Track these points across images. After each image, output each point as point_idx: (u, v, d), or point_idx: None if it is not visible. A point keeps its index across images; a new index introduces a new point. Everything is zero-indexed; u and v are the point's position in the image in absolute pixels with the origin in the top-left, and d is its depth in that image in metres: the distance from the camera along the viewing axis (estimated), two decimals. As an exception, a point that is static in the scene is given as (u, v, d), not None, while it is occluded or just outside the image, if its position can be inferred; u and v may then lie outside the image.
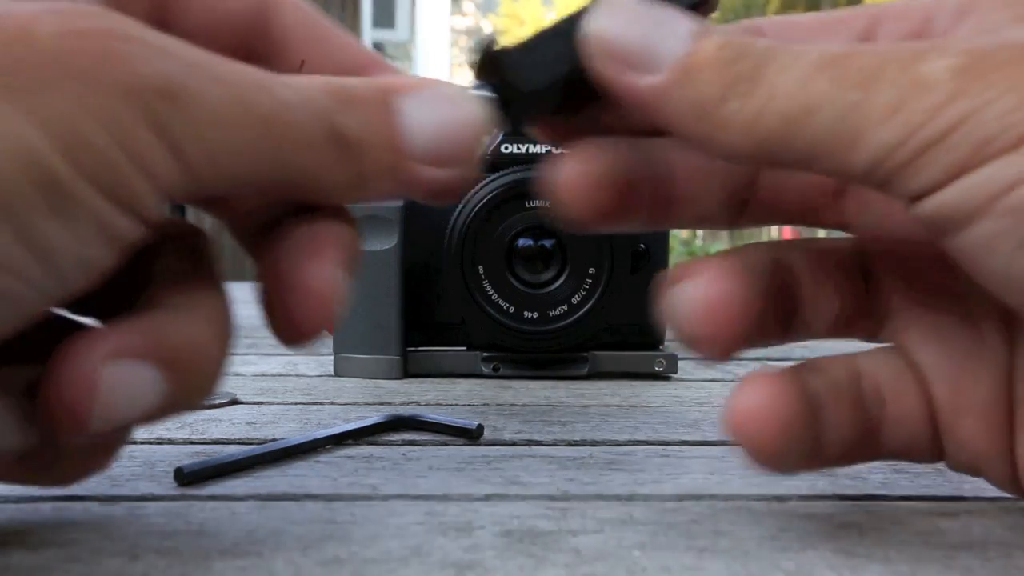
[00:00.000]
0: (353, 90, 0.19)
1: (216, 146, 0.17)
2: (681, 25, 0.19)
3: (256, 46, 0.23)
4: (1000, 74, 0.17)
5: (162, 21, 0.21)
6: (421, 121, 0.20)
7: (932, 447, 0.22)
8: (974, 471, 0.22)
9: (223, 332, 0.19)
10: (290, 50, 0.23)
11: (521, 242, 0.45)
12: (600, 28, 0.19)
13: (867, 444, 0.22)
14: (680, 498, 0.24)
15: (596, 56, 0.19)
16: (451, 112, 0.20)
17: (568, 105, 0.21)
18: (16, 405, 0.18)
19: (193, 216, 0.30)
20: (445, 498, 0.24)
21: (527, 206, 0.45)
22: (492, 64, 0.20)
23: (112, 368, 0.17)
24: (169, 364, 0.18)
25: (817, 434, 0.21)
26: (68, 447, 0.20)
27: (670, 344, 0.49)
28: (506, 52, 0.20)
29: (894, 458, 0.22)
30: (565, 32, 0.20)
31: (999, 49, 0.17)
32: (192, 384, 0.19)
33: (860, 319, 0.23)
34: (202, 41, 0.18)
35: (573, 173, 0.21)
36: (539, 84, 0.20)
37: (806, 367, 0.22)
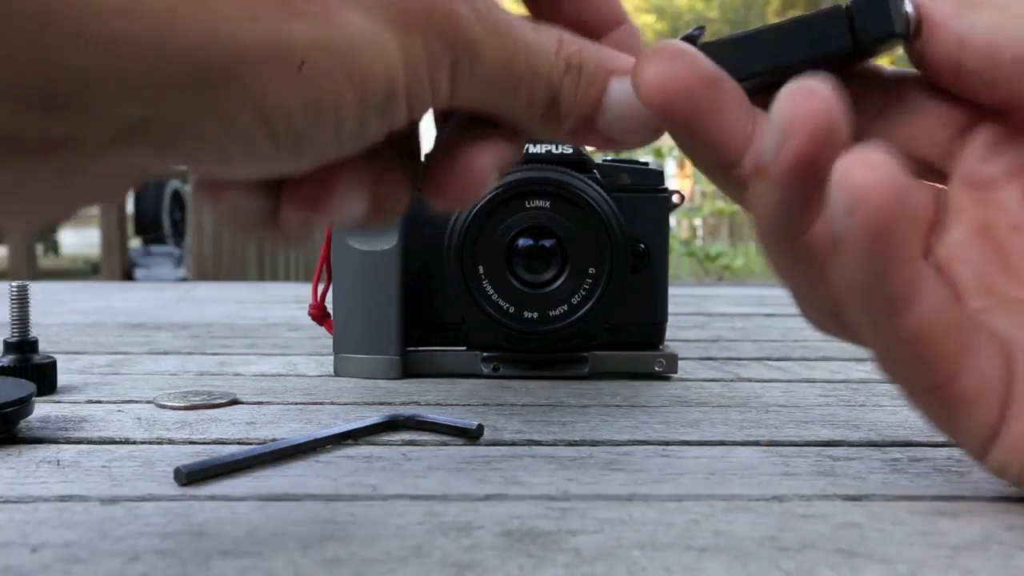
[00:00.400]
0: (583, 62, 0.23)
1: (478, 92, 0.21)
2: None
3: None
4: None
5: None
6: (617, 101, 0.23)
7: (995, 413, 0.22)
8: (1019, 468, 0.22)
9: None
10: None
11: (521, 242, 0.45)
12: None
13: (956, 356, 0.22)
14: (680, 498, 0.24)
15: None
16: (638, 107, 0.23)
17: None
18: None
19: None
20: (445, 498, 0.24)
21: (527, 206, 0.45)
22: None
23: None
24: None
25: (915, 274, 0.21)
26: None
27: (670, 344, 0.49)
28: (713, 44, 0.25)
29: (957, 404, 0.22)
30: (773, 35, 0.25)
31: None
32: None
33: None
34: None
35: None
36: (745, 73, 0.24)
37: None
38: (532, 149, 0.45)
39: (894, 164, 0.19)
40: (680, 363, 0.47)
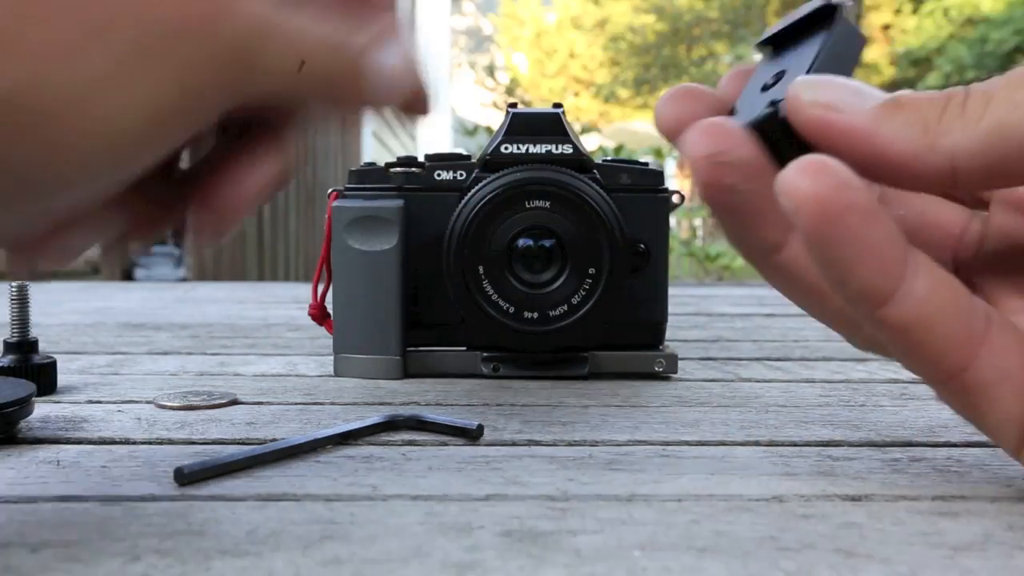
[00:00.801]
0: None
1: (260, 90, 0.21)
2: (867, 88, 0.22)
3: None
4: None
5: None
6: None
7: (1019, 402, 0.22)
8: None
9: None
10: None
11: (521, 242, 0.45)
12: (807, 89, 0.22)
13: (964, 348, 0.22)
14: (680, 498, 0.24)
15: (807, 109, 0.22)
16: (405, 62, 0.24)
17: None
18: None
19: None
20: (445, 498, 0.24)
21: (527, 206, 0.45)
22: None
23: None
24: None
25: (899, 260, 0.21)
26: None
27: (670, 344, 0.49)
28: None
29: (973, 396, 0.22)
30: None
31: None
32: None
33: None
34: None
35: None
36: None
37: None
38: (532, 149, 0.45)
39: (831, 166, 0.20)
40: (680, 363, 0.47)
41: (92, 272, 2.92)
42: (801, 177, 0.21)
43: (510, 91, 15.61)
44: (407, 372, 0.47)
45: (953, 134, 0.21)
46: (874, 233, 0.21)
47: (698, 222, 5.91)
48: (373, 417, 0.33)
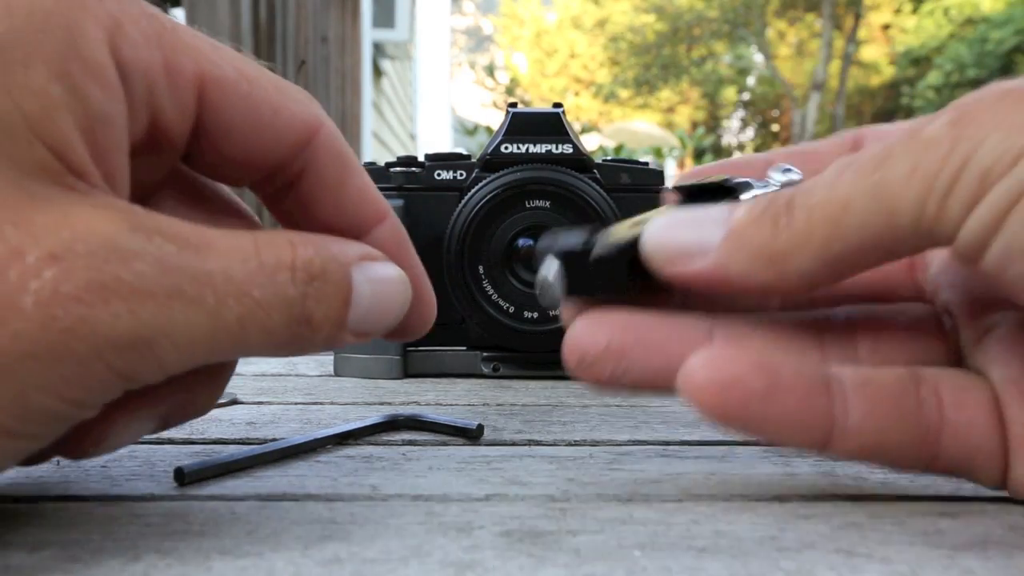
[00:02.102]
0: (326, 264, 0.22)
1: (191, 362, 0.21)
2: (715, 213, 0.23)
3: (283, 170, 0.24)
4: (987, 115, 0.20)
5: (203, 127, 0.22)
6: (364, 295, 0.22)
7: (997, 464, 0.23)
8: None
9: None
10: (311, 184, 0.24)
11: (521, 242, 0.45)
12: (651, 241, 0.23)
13: (923, 446, 0.22)
14: (680, 498, 0.24)
15: (658, 263, 0.23)
16: (386, 291, 0.23)
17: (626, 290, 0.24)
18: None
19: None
20: (445, 498, 0.24)
21: (527, 206, 0.45)
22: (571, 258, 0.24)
23: None
24: None
25: (822, 414, 0.22)
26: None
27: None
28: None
29: (953, 471, 0.23)
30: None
31: (983, 96, 0.20)
32: None
33: (935, 356, 0.24)
34: (236, 160, 0.23)
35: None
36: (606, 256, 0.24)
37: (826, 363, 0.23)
38: (532, 149, 0.45)
39: (722, 361, 0.21)
40: (680, 363, 0.47)
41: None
42: (692, 381, 0.21)
43: (510, 91, 15.61)
44: (407, 372, 0.47)
45: (794, 258, 0.21)
46: (781, 407, 0.22)
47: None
48: (373, 417, 0.33)
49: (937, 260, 0.25)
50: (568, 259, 0.24)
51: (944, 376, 0.23)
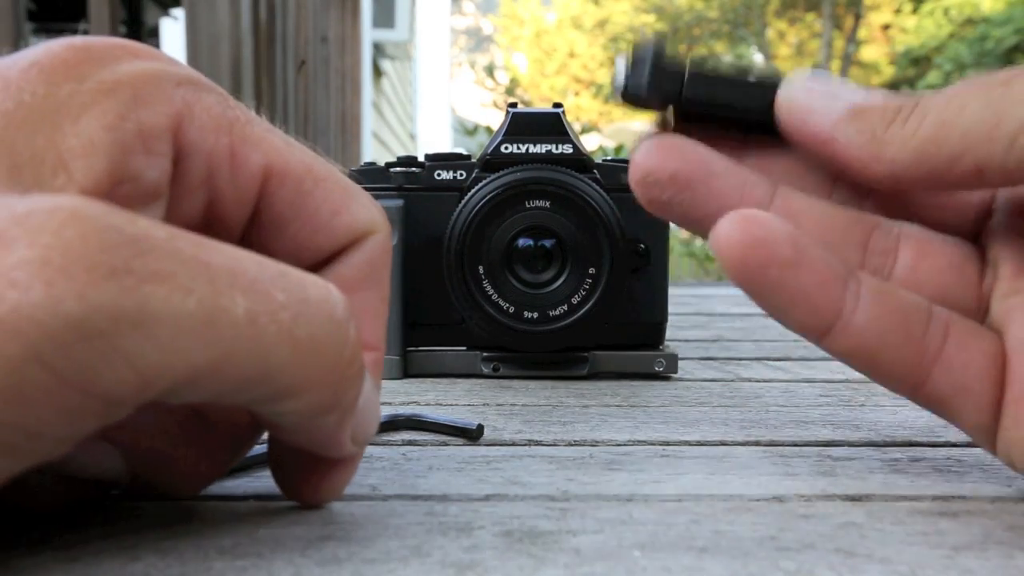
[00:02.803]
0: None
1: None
2: (851, 89, 0.24)
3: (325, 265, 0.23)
4: None
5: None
6: (363, 395, 0.21)
7: (979, 411, 0.23)
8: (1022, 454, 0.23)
9: None
10: (337, 278, 0.23)
11: (521, 242, 0.45)
12: (789, 92, 0.24)
13: (915, 368, 0.23)
14: (680, 498, 0.24)
15: (785, 112, 0.24)
16: (373, 407, 0.23)
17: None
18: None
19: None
20: (445, 498, 0.24)
21: (527, 206, 0.45)
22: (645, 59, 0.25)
23: None
24: None
25: (833, 301, 0.23)
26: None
27: (670, 344, 0.49)
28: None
29: (935, 404, 0.24)
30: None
31: None
32: None
33: (962, 298, 0.25)
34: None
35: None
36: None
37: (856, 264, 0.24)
38: (532, 149, 0.45)
39: (754, 220, 0.22)
40: (680, 363, 0.47)
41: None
42: (726, 231, 0.22)
43: (510, 91, 15.60)
44: (407, 372, 0.47)
45: (893, 146, 0.23)
46: (798, 281, 0.22)
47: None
48: (373, 417, 0.33)
49: (1003, 208, 0.26)
50: (658, 54, 0.25)
51: (958, 318, 0.24)
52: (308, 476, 0.23)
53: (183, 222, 0.21)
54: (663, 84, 0.25)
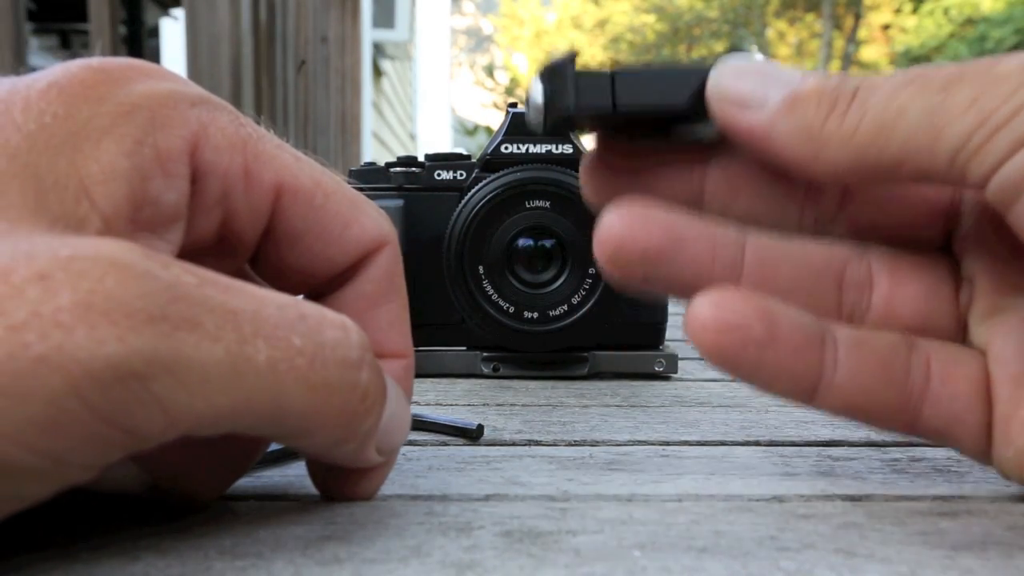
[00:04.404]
0: (369, 350, 0.20)
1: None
2: (789, 74, 0.23)
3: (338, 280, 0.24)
4: None
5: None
6: (390, 403, 0.22)
7: (977, 438, 0.23)
8: (1021, 465, 0.23)
9: None
10: (351, 296, 0.24)
11: (521, 242, 0.45)
12: (718, 79, 0.23)
13: (904, 411, 0.23)
14: (680, 498, 0.24)
15: (715, 102, 0.23)
16: (403, 413, 0.23)
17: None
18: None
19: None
20: (445, 498, 0.24)
21: (527, 206, 0.45)
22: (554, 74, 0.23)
23: None
24: None
25: (812, 367, 0.23)
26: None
27: (670, 344, 0.49)
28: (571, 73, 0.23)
29: (933, 437, 0.24)
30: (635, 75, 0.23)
31: None
32: None
33: (941, 321, 0.24)
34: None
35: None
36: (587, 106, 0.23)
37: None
38: (532, 149, 0.45)
39: (725, 301, 0.22)
40: (680, 363, 0.47)
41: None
42: (698, 318, 0.22)
43: (510, 91, 15.60)
44: (407, 372, 0.47)
45: (831, 146, 0.22)
46: (776, 355, 0.22)
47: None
48: (373, 417, 0.33)
49: (970, 210, 0.25)
50: (553, 73, 0.23)
51: (937, 348, 0.24)
52: (343, 482, 0.23)
53: (199, 239, 0.21)
54: (591, 94, 0.23)
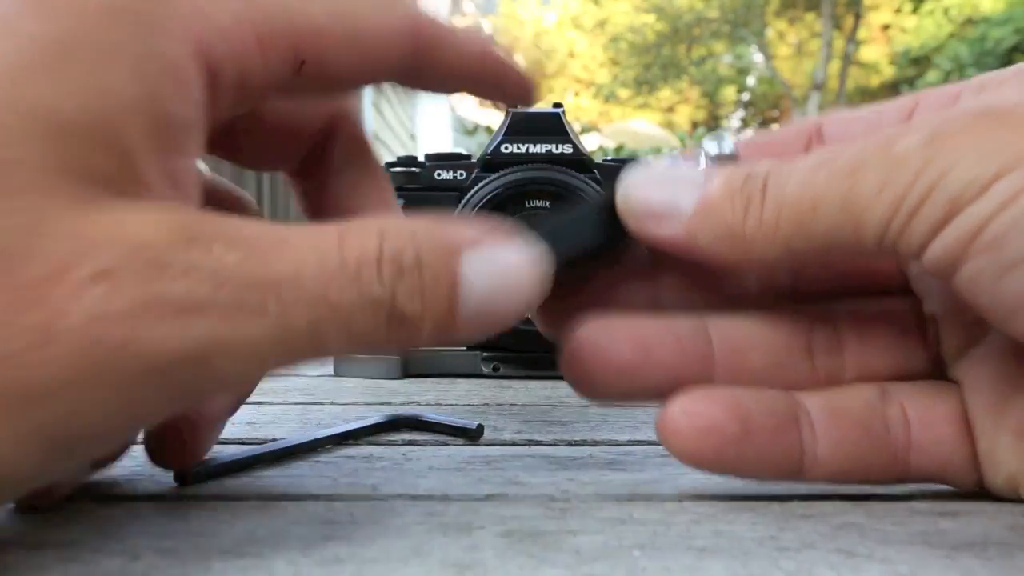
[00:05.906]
0: (422, 255, 0.19)
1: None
2: (693, 175, 0.23)
3: (312, 156, 0.25)
4: (959, 139, 0.20)
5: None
6: (478, 285, 0.20)
7: (969, 474, 0.24)
8: (1014, 489, 0.23)
9: None
10: (337, 172, 0.25)
11: (521, 242, 0.45)
12: (626, 197, 0.23)
13: (893, 465, 0.23)
14: (680, 498, 0.24)
15: (632, 220, 0.23)
16: (507, 278, 0.20)
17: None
18: None
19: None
20: (445, 498, 0.24)
21: (527, 206, 0.45)
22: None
23: None
24: None
25: (792, 448, 0.23)
26: None
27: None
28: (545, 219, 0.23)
29: (926, 480, 0.24)
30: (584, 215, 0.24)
31: (959, 117, 0.20)
32: None
33: (917, 365, 0.25)
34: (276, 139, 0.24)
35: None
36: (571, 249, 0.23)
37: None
38: (532, 149, 0.45)
39: (694, 410, 0.23)
40: (680, 363, 0.47)
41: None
42: (671, 427, 0.23)
43: (510, 91, 15.56)
44: (407, 372, 0.47)
45: (757, 244, 0.22)
46: (754, 447, 0.22)
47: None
48: (373, 417, 0.33)
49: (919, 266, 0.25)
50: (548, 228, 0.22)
51: (912, 392, 0.24)
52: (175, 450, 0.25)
53: (216, 122, 0.20)
54: None
